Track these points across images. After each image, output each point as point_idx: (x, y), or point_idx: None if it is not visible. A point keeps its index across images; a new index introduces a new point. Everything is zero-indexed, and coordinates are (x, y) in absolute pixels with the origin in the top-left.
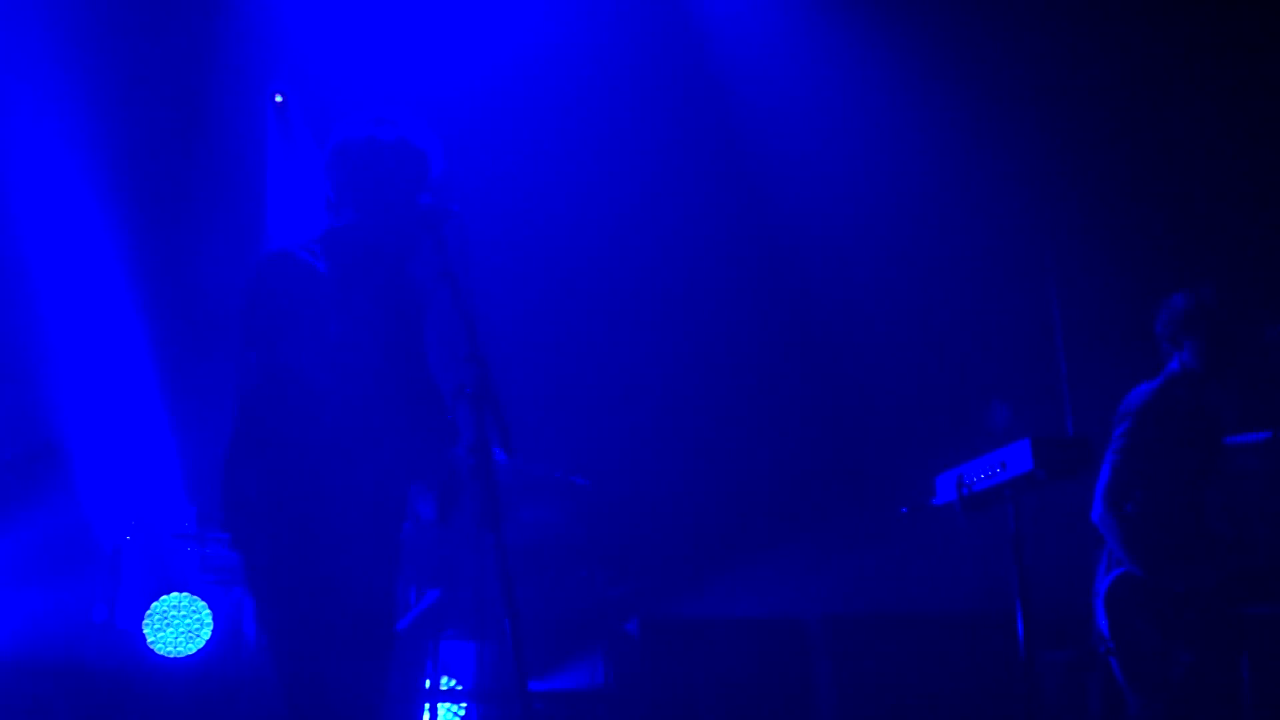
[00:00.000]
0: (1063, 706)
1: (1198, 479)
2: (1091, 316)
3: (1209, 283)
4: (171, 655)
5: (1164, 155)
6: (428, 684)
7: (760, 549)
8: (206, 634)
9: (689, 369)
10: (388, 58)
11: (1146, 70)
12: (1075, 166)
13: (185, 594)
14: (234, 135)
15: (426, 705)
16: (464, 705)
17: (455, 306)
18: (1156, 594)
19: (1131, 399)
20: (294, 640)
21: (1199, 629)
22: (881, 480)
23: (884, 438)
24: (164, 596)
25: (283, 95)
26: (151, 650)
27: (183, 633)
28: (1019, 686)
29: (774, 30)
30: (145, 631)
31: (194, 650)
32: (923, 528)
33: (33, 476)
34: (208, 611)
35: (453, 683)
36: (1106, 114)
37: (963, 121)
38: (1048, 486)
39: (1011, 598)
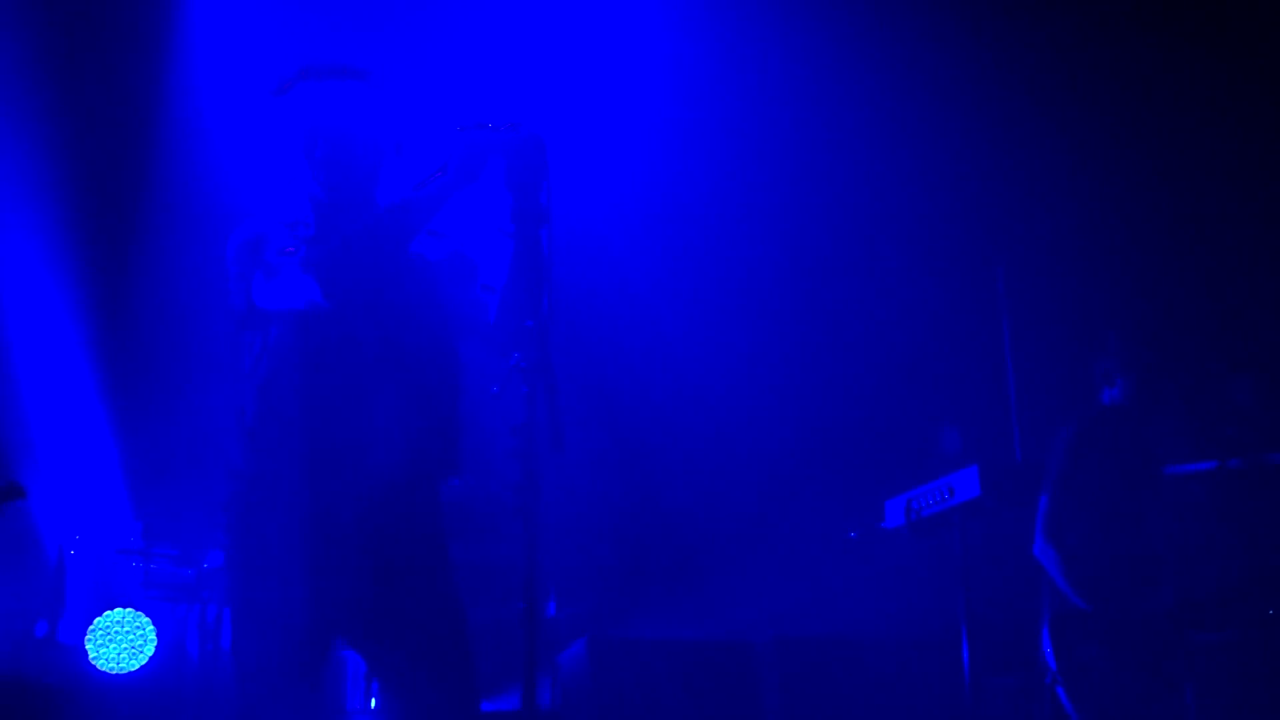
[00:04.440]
0: None
1: (1138, 509)
2: (1042, 343)
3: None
4: (114, 671)
5: (1117, 179)
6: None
7: (709, 571)
8: (150, 650)
9: (632, 389)
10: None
11: (1097, 90)
12: (1026, 190)
13: (129, 609)
14: (179, 140)
15: None
16: None
17: (526, 258)
18: (1100, 624)
19: (1064, 433)
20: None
21: (1144, 658)
22: (831, 504)
23: (834, 462)
24: (107, 612)
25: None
26: (94, 666)
27: (126, 648)
28: (965, 711)
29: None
30: (88, 647)
31: (137, 666)
32: (871, 551)
33: None
34: (151, 627)
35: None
36: (1057, 138)
37: (911, 143)
38: (995, 512)
39: (958, 622)
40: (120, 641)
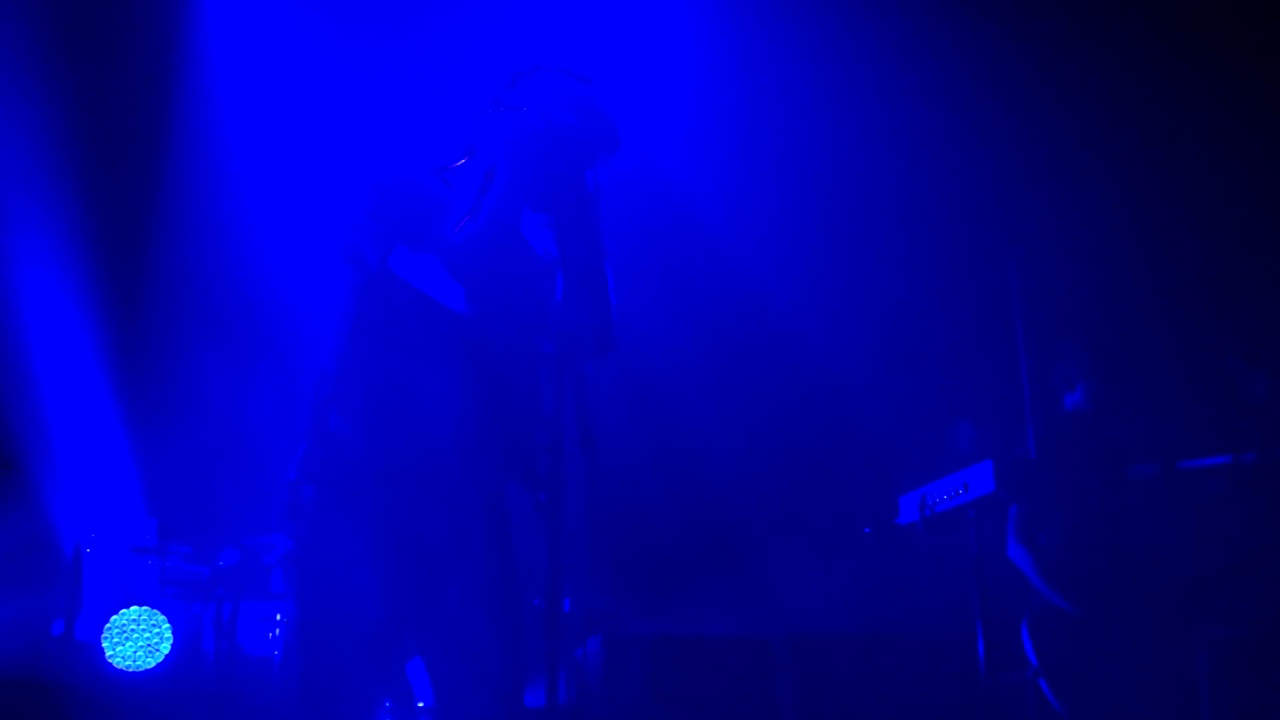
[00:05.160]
0: None
1: (1106, 509)
2: (1056, 337)
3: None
4: (130, 669)
5: (1131, 171)
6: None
7: (723, 567)
8: (166, 648)
9: (650, 386)
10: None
11: (1113, 82)
12: (1039, 186)
13: (145, 608)
14: (195, 139)
15: None
16: None
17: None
18: (1077, 621)
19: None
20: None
21: (1131, 654)
22: (845, 500)
23: (849, 458)
24: (123, 610)
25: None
26: (110, 664)
27: (142, 646)
28: (980, 707)
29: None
30: (104, 645)
31: (153, 664)
32: (886, 547)
33: None
34: (167, 625)
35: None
36: (1070, 130)
37: (925, 137)
38: (1009, 507)
39: (973, 618)
40: (136, 639)
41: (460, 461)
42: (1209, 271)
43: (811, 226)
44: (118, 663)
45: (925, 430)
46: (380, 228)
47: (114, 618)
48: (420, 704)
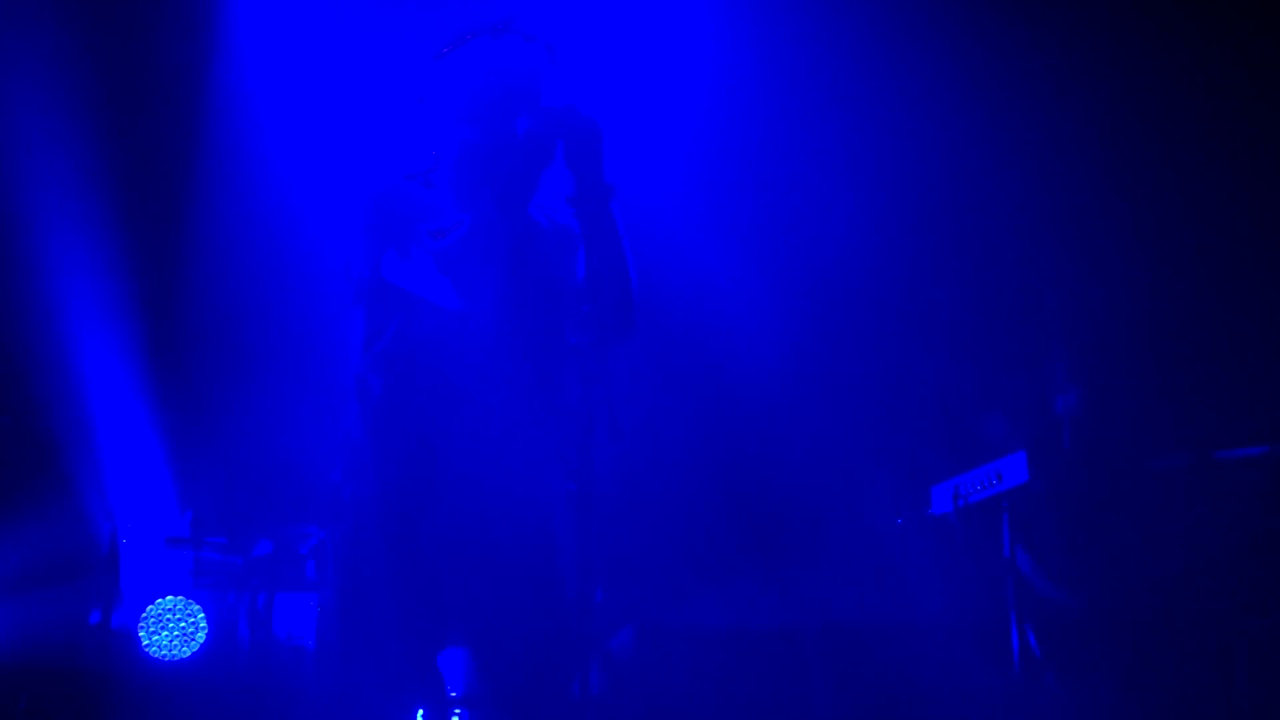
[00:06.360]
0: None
1: (1105, 507)
2: (1090, 326)
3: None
4: (167, 658)
5: (1165, 162)
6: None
7: (755, 557)
8: (201, 637)
9: (678, 372)
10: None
11: (1140, 73)
12: (1072, 176)
13: (180, 597)
14: (227, 126)
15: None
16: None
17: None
18: (1082, 616)
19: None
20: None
21: (1141, 648)
22: (877, 490)
23: (881, 447)
24: (159, 600)
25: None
26: (147, 653)
27: (177, 635)
28: (1016, 699)
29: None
30: (140, 634)
31: (189, 653)
32: (919, 538)
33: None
34: (202, 615)
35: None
36: (1102, 119)
37: (955, 124)
38: (1043, 498)
39: (1006, 609)
40: (172, 629)
41: (496, 455)
42: (1256, 259)
43: (847, 210)
44: (154, 651)
45: (958, 420)
46: (366, 238)
47: (150, 607)
48: (452, 694)
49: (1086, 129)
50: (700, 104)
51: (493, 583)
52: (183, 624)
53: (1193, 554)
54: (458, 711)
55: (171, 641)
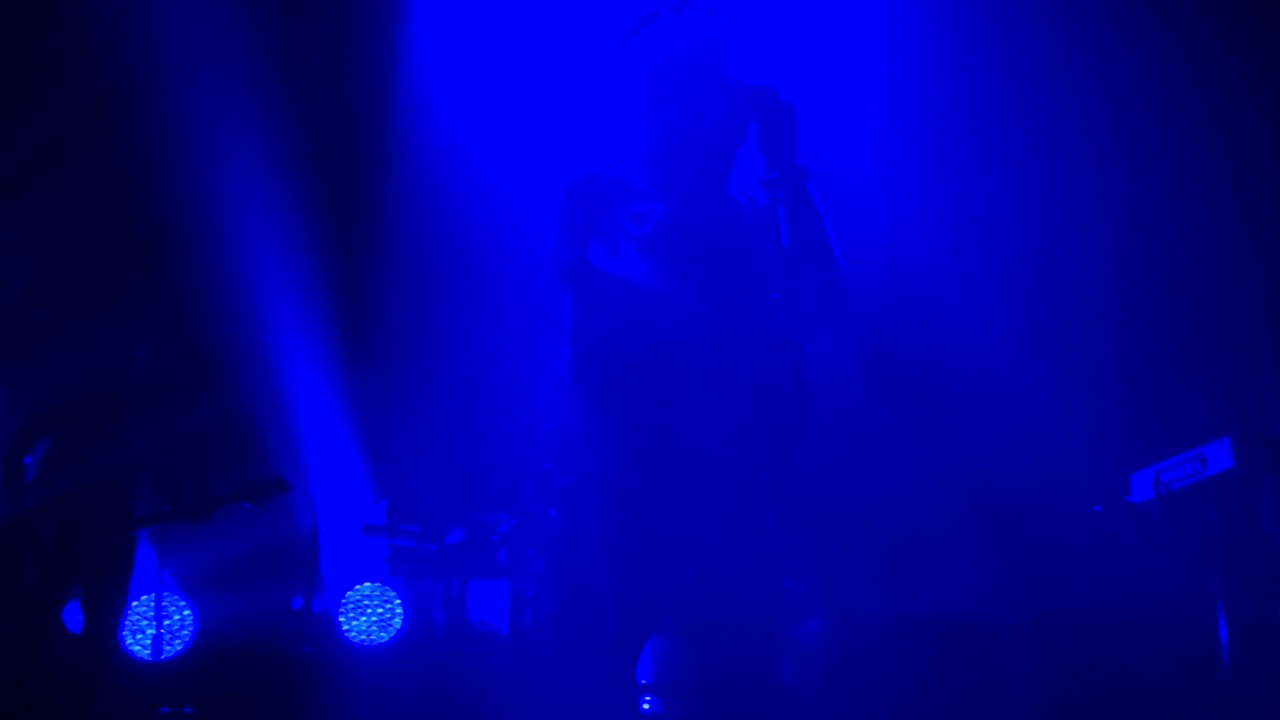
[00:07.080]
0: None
1: None
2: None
3: None
4: (365, 642)
5: None
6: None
7: (947, 546)
8: (398, 623)
9: (878, 360)
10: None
11: None
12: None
13: (377, 584)
14: (423, 128)
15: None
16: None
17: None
18: None
19: None
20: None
21: None
22: (1075, 477)
23: (1078, 433)
24: (357, 586)
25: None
26: (346, 637)
27: (375, 620)
28: (1223, 693)
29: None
30: (340, 619)
31: (386, 638)
32: (1118, 526)
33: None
34: (398, 601)
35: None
36: None
37: (1164, 108)
38: (1249, 485)
39: (1213, 600)
40: (370, 614)
41: (707, 443)
42: None
43: (1053, 193)
44: (353, 636)
45: (1160, 405)
46: (570, 227)
47: (349, 593)
48: (642, 681)
49: None
50: (892, 86)
51: (703, 571)
52: (380, 609)
53: None
54: (648, 699)
55: (369, 626)
